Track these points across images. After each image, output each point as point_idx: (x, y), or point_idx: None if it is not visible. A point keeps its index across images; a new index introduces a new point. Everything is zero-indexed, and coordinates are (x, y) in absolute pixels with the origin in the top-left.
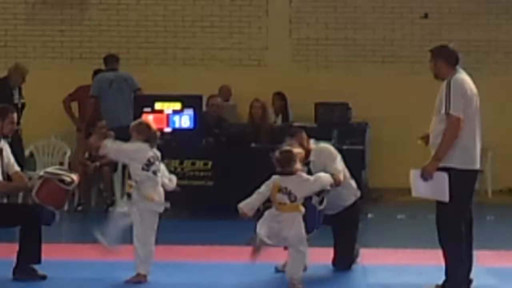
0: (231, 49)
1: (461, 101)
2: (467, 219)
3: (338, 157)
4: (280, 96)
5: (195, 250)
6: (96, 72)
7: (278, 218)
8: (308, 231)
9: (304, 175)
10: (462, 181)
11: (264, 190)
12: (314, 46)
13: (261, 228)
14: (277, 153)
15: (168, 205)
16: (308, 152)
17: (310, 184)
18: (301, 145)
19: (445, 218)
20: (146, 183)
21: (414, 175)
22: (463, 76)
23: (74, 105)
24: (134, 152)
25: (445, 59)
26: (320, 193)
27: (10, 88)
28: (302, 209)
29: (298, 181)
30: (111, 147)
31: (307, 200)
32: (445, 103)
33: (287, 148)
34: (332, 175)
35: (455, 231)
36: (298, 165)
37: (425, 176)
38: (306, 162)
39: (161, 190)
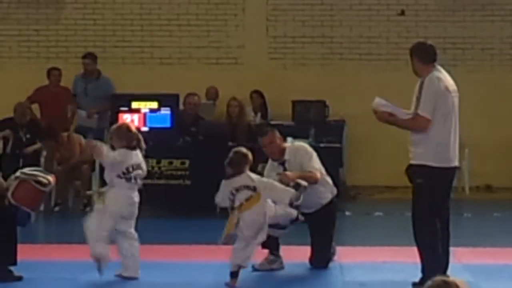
0: (208, 47)
1: (432, 102)
2: (444, 216)
3: (314, 155)
4: (258, 94)
5: (173, 249)
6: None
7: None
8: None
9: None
10: (438, 178)
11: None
12: (291, 44)
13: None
14: (231, 154)
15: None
16: (282, 150)
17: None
18: (274, 143)
19: (420, 215)
20: (114, 188)
21: (377, 102)
22: (439, 74)
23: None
24: (120, 163)
25: (420, 57)
26: (297, 188)
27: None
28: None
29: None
30: (109, 156)
31: None
32: (416, 102)
33: (240, 149)
34: (310, 172)
35: (430, 228)
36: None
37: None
38: (281, 161)
39: (130, 198)
